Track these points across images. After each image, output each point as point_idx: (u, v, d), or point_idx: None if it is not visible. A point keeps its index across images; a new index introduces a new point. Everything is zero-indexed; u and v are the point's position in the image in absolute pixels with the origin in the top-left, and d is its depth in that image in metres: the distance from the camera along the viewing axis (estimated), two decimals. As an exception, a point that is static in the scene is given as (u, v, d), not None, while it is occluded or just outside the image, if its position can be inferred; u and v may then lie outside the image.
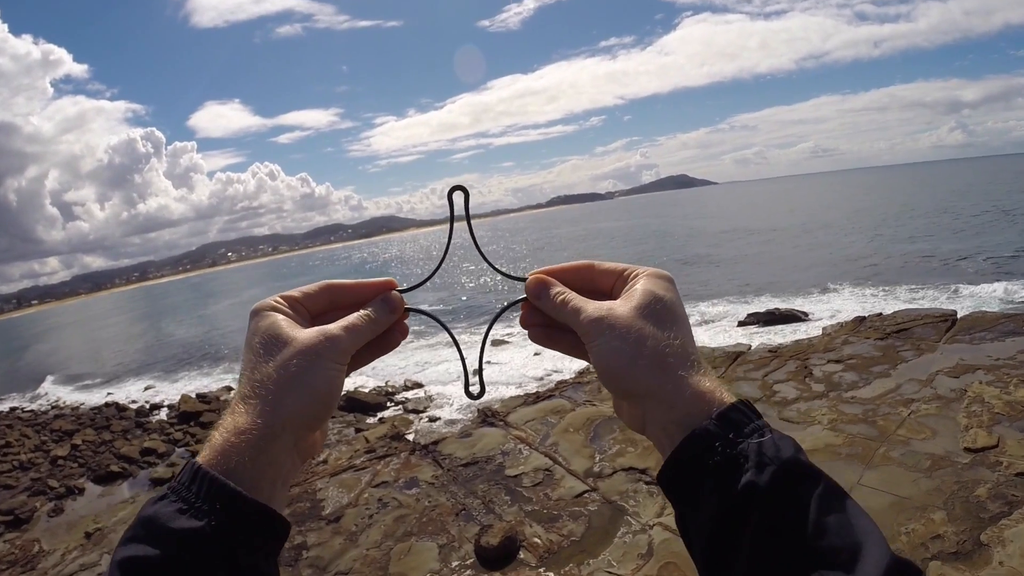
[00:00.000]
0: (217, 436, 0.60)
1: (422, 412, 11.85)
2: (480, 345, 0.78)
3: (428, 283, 0.81)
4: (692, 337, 0.68)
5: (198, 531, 0.54)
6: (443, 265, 0.80)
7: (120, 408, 17.55)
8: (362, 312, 0.71)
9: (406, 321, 0.76)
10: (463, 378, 0.77)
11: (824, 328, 12.48)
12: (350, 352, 0.68)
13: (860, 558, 0.51)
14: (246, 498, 0.56)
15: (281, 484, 0.63)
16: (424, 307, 0.80)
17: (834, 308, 16.53)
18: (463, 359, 0.78)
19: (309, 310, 0.72)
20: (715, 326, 16.95)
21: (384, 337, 0.74)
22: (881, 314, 12.30)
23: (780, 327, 14.94)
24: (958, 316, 10.62)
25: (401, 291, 0.75)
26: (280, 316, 0.68)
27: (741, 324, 16.33)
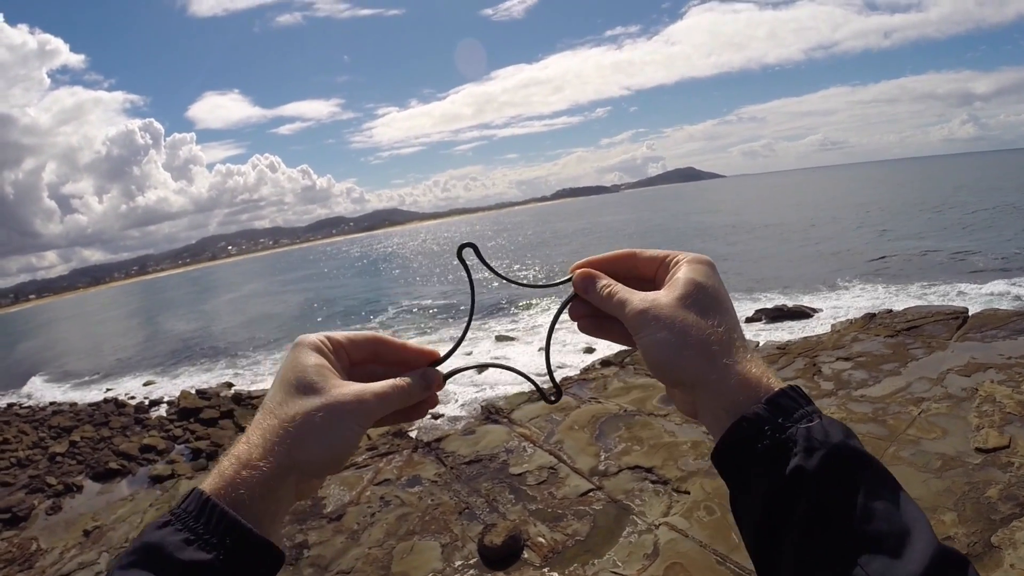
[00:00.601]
0: (226, 464, 0.62)
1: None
2: (546, 349, 0.80)
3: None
4: (737, 321, 0.69)
5: (206, 564, 0.55)
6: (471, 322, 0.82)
7: (119, 404, 17.60)
8: (399, 382, 0.71)
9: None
10: (535, 390, 0.81)
11: (833, 325, 12.43)
12: (376, 418, 0.69)
13: (907, 544, 0.52)
14: (255, 535, 0.58)
15: (279, 519, 0.64)
16: (460, 365, 0.80)
17: (843, 304, 16.47)
18: (530, 379, 0.82)
19: (351, 357, 0.74)
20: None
21: (415, 407, 0.75)
22: (891, 311, 12.28)
23: (788, 323, 14.92)
24: (969, 313, 10.60)
25: (441, 359, 0.76)
26: (321, 360, 0.70)
27: (748, 321, 16.28)
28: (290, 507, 0.67)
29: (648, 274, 0.75)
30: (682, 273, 0.70)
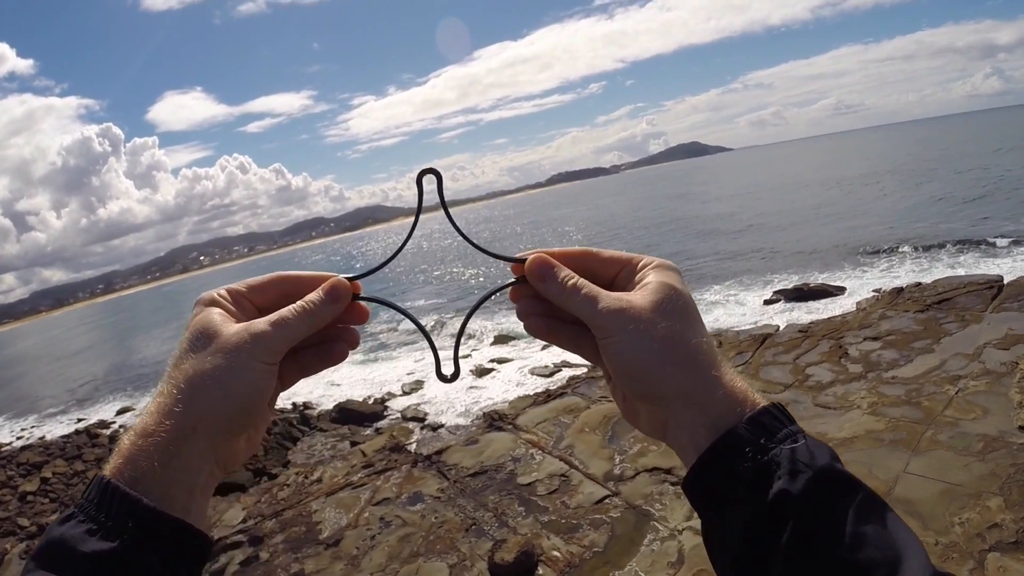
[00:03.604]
0: (125, 440, 0.60)
1: (423, 419, 11.87)
2: (460, 325, 0.78)
3: (399, 268, 0.78)
4: (710, 334, 0.68)
5: (110, 553, 0.54)
6: (405, 251, 0.78)
7: (92, 435, 17.55)
8: (297, 303, 0.68)
9: (363, 334, 0.75)
10: (434, 362, 0.75)
11: (858, 303, 12.48)
12: (279, 351, 0.65)
13: (900, 571, 0.51)
14: (160, 514, 0.56)
15: (199, 493, 0.62)
16: (380, 297, 0.77)
17: (868, 279, 16.51)
18: (431, 342, 0.77)
19: (256, 304, 0.71)
20: (739, 306, 16.98)
21: (330, 346, 0.72)
22: (920, 284, 12.30)
23: (810, 304, 14.93)
24: (1005, 282, 10.61)
25: (350, 279, 0.72)
26: (216, 310, 0.67)
27: (767, 303, 16.33)
28: (214, 480, 0.64)
29: (607, 276, 0.72)
30: (654, 277, 0.68)
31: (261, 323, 0.65)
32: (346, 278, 0.72)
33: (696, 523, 5.68)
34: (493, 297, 0.77)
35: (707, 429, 0.61)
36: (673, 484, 6.44)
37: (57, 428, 20.62)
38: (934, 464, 5.68)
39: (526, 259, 0.71)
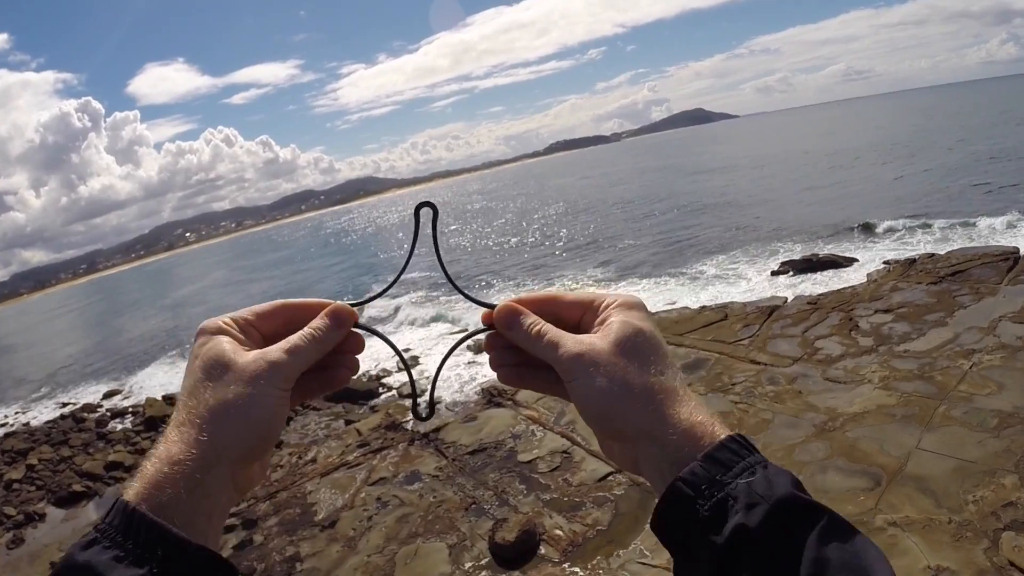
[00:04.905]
0: (149, 467, 0.62)
1: (419, 396, 11.91)
2: (435, 370, 0.84)
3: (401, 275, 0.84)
4: (675, 367, 0.71)
5: None
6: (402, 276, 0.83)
7: (78, 419, 17.56)
8: (305, 330, 0.73)
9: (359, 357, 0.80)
10: (411, 401, 0.82)
11: (869, 274, 12.46)
12: (293, 377, 0.70)
13: None
14: (187, 542, 0.58)
15: (217, 517, 0.65)
16: (376, 328, 0.85)
17: (879, 250, 16.48)
18: (412, 378, 0.81)
19: (262, 332, 0.75)
20: (745, 278, 16.98)
21: (333, 371, 0.77)
22: (933, 255, 12.29)
23: (819, 275, 14.91)
24: (1021, 254, 10.60)
25: (352, 305, 0.77)
26: (225, 339, 0.71)
27: (775, 274, 16.32)
28: (230, 504, 0.68)
29: (572, 319, 0.77)
30: (616, 317, 0.72)
31: (276, 351, 0.70)
32: (348, 304, 0.77)
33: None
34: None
35: (671, 465, 0.63)
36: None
37: (42, 413, 20.64)
38: (947, 440, 5.71)
39: (494, 306, 0.77)
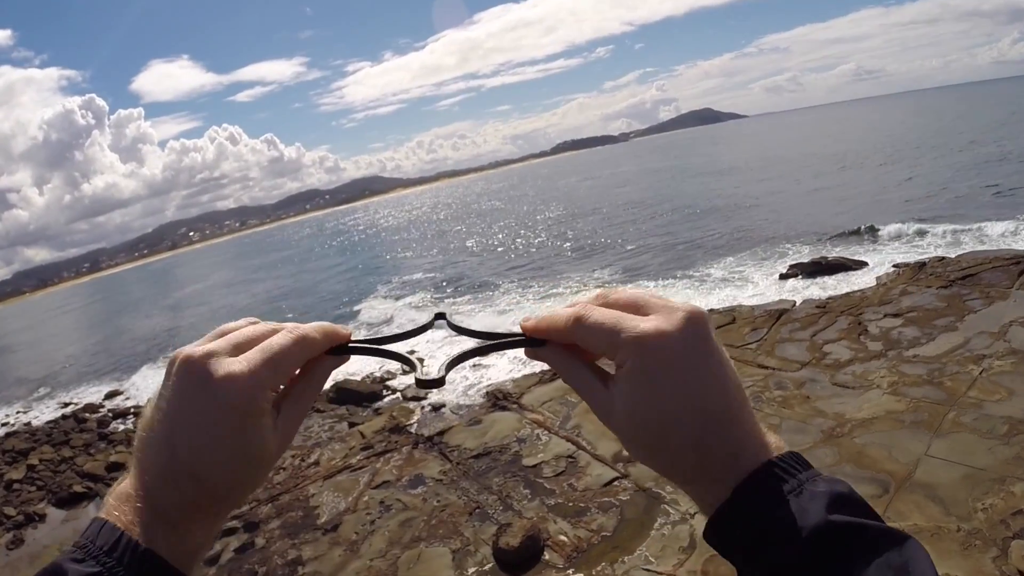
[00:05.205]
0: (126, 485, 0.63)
1: (423, 399, 11.92)
2: (469, 351, 0.73)
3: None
4: None
5: None
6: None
7: (80, 419, 17.65)
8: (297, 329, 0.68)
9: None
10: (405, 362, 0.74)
11: (878, 277, 12.41)
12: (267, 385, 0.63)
13: None
14: (176, 572, 0.58)
15: (212, 540, 0.65)
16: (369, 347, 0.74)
17: (888, 253, 16.43)
18: (411, 363, 0.73)
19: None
20: (753, 281, 16.95)
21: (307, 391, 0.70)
22: (943, 258, 12.22)
23: (828, 278, 14.87)
24: (1033, 256, 10.54)
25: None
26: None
27: (783, 277, 16.28)
28: (221, 524, 0.67)
29: (591, 355, 0.70)
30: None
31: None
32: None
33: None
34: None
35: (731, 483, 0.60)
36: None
37: (43, 413, 20.71)
38: (957, 447, 5.69)
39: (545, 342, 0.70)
